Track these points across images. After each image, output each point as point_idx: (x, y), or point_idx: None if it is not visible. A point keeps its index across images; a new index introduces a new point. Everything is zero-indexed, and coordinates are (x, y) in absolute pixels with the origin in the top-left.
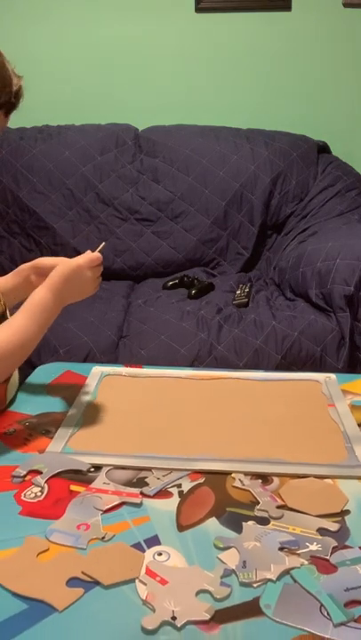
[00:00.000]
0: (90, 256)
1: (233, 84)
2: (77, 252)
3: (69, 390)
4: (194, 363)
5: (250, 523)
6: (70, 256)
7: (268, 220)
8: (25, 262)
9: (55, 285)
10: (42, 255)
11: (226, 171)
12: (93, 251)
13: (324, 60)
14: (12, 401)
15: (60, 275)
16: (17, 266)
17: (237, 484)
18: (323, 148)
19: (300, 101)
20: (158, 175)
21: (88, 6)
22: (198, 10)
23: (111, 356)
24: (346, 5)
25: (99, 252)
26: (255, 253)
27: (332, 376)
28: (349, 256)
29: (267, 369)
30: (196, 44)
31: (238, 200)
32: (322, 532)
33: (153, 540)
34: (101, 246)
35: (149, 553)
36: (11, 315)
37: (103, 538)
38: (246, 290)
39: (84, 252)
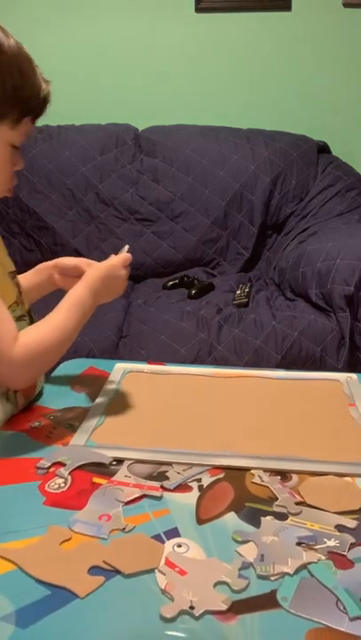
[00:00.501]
0: (123, 256)
1: (233, 83)
2: (77, 252)
3: (93, 386)
4: (194, 363)
5: (268, 518)
6: (70, 256)
7: (268, 220)
8: (25, 262)
9: (93, 284)
10: (42, 255)
11: (226, 171)
12: (117, 253)
13: (324, 60)
14: (40, 393)
15: (97, 274)
16: (17, 266)
17: (257, 480)
18: (323, 148)
19: (300, 101)
20: (158, 175)
21: (88, 6)
22: (198, 10)
23: (111, 355)
24: (346, 5)
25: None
26: (255, 253)
27: (354, 376)
28: (349, 256)
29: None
30: (196, 44)
31: (238, 200)
32: (340, 528)
33: (172, 532)
34: (127, 248)
35: (169, 544)
36: (32, 313)
37: (124, 529)
38: (246, 290)
39: (83, 253)
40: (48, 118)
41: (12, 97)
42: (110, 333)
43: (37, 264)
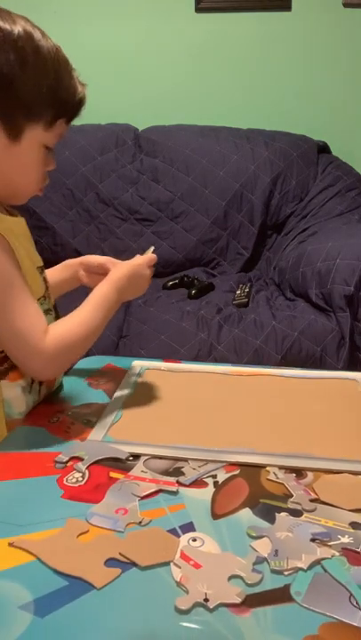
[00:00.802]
0: (149, 256)
1: (233, 83)
2: (77, 252)
3: (110, 382)
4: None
5: (283, 514)
6: (70, 256)
7: (268, 219)
8: None
9: (118, 282)
10: (42, 255)
11: (226, 171)
12: (142, 254)
13: (324, 59)
14: (61, 385)
15: (122, 272)
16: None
17: (272, 477)
18: (323, 148)
19: (300, 101)
20: (158, 175)
21: (88, 6)
22: (198, 10)
23: (111, 355)
24: (346, 5)
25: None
26: (255, 253)
27: None
28: (349, 256)
29: None
30: (196, 44)
31: (238, 200)
32: (354, 525)
33: (188, 527)
34: (152, 249)
35: (184, 538)
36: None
37: (140, 522)
38: (246, 290)
39: (83, 253)
40: None
41: (47, 98)
42: (110, 333)
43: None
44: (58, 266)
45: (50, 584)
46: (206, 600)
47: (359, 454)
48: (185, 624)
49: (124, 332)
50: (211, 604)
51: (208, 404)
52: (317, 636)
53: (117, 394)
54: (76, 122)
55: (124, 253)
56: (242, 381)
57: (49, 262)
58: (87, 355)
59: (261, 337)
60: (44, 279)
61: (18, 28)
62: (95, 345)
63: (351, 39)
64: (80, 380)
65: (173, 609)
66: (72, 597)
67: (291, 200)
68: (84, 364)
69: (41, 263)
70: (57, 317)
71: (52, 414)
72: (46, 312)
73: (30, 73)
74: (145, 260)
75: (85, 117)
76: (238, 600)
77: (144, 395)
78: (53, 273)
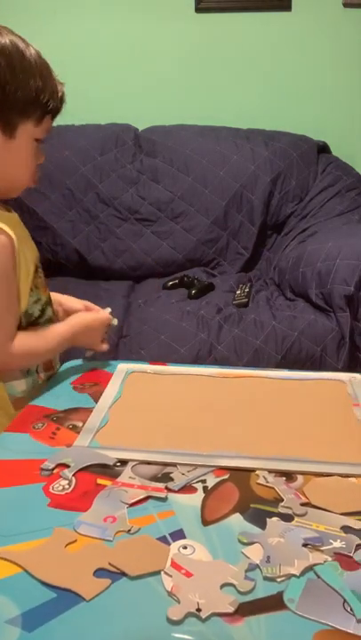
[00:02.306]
0: (107, 316)
1: (233, 83)
2: (77, 252)
3: (95, 386)
4: (194, 363)
5: (274, 519)
6: (71, 256)
7: (268, 219)
8: None
9: (76, 327)
10: (42, 255)
11: (226, 171)
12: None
13: (324, 60)
14: (64, 364)
15: (84, 321)
16: None
17: (261, 481)
18: (323, 148)
19: (300, 101)
20: (158, 175)
21: (88, 6)
22: (198, 10)
23: (111, 356)
24: (346, 5)
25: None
26: (255, 253)
27: (358, 376)
28: (349, 256)
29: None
30: (196, 44)
31: (238, 200)
32: (346, 529)
33: (178, 534)
34: (109, 310)
35: (175, 546)
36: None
37: (129, 530)
38: (246, 290)
39: (83, 253)
40: None
41: (35, 97)
42: (110, 333)
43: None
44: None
45: (38, 596)
46: (199, 610)
47: (349, 456)
48: (178, 635)
49: (124, 332)
50: (203, 614)
51: (196, 408)
52: None
53: (103, 398)
54: (76, 122)
55: (124, 253)
56: (229, 384)
57: (49, 262)
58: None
59: (261, 337)
60: (40, 276)
61: (4, 39)
62: None
63: (351, 39)
64: (65, 383)
65: (165, 619)
66: (61, 610)
67: (291, 200)
68: (69, 367)
69: (37, 254)
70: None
71: (36, 420)
72: (36, 302)
73: (20, 77)
74: (104, 318)
75: (85, 117)
76: (231, 609)
77: (131, 398)
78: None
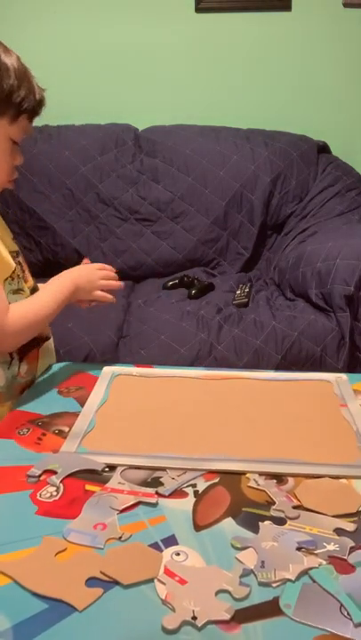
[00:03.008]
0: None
1: (233, 83)
2: (77, 252)
3: (81, 390)
4: (194, 363)
5: (266, 523)
6: (70, 256)
7: (268, 219)
8: (25, 262)
9: (75, 276)
10: (42, 255)
11: (226, 171)
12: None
13: (324, 59)
14: (50, 368)
15: (80, 270)
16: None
17: (252, 484)
18: (323, 148)
19: (300, 101)
20: (158, 175)
21: (88, 6)
22: (198, 10)
23: (111, 355)
24: (346, 5)
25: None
26: (255, 253)
27: (344, 376)
28: (349, 256)
29: (267, 369)
30: (196, 44)
31: (238, 200)
32: (339, 532)
33: (170, 540)
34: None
35: (167, 553)
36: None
37: (120, 538)
38: (246, 290)
39: (84, 252)
40: (48, 118)
41: (8, 96)
42: (110, 333)
43: (37, 264)
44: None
45: (28, 608)
46: (194, 618)
47: (339, 457)
48: None
49: (124, 332)
50: (199, 622)
51: (183, 410)
52: None
53: (89, 402)
54: (76, 122)
55: (124, 253)
56: (216, 386)
57: (49, 262)
58: (87, 356)
59: (261, 337)
60: (20, 263)
61: None
62: (95, 345)
63: (351, 39)
64: (49, 388)
65: (160, 629)
66: (53, 621)
67: (291, 200)
68: (53, 371)
69: (15, 248)
70: None
71: (20, 425)
72: (16, 291)
73: None
74: (93, 265)
75: (85, 117)
76: (227, 616)
77: (117, 402)
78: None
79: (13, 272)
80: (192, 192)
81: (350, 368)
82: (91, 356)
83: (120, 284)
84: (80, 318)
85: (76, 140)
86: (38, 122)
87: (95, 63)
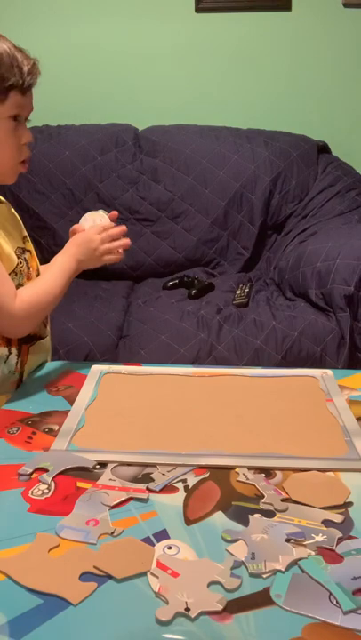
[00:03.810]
0: (95, 227)
1: (233, 84)
2: None
3: (70, 389)
4: (194, 363)
5: (256, 515)
6: None
7: (268, 219)
8: None
9: (73, 251)
10: (42, 255)
11: (226, 171)
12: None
13: (324, 60)
14: (43, 365)
15: (76, 241)
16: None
17: (241, 478)
18: (323, 148)
19: (300, 101)
20: (158, 175)
21: (88, 6)
22: (198, 10)
23: (111, 355)
24: (346, 5)
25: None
26: (255, 253)
27: (329, 372)
28: (349, 256)
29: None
30: (196, 44)
31: (238, 200)
32: (327, 523)
33: (162, 534)
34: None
35: (159, 547)
36: None
37: (113, 533)
38: (246, 290)
39: None
40: (48, 118)
41: None
42: (110, 333)
43: (37, 264)
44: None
45: (24, 603)
46: (187, 609)
47: (326, 451)
48: (168, 635)
49: (124, 332)
50: (192, 614)
51: (172, 407)
52: (301, 638)
53: (78, 400)
54: (76, 122)
55: (124, 253)
56: (204, 382)
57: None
58: (87, 356)
59: (261, 337)
60: (26, 260)
61: None
62: (95, 345)
63: (351, 39)
64: (38, 387)
65: (154, 620)
66: (48, 616)
67: (291, 200)
68: (42, 370)
69: (22, 245)
70: None
71: (9, 424)
72: (17, 287)
73: None
74: (94, 229)
75: (85, 117)
76: (220, 607)
77: (106, 400)
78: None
79: (16, 267)
80: (192, 192)
81: (350, 368)
82: (91, 355)
83: (124, 242)
84: (80, 318)
85: (76, 140)
86: (38, 122)
87: (95, 63)
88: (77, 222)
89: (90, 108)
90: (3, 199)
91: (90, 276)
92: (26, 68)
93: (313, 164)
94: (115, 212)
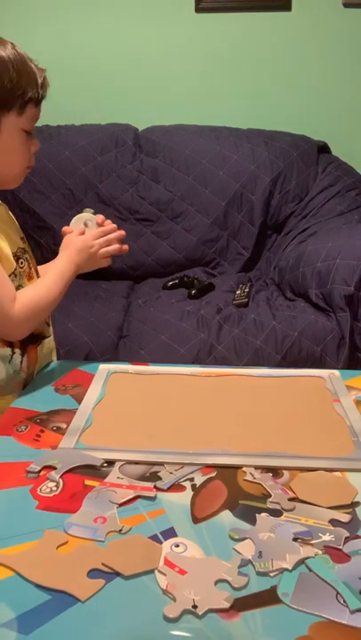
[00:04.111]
0: (92, 232)
1: (233, 83)
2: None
3: (77, 388)
4: (194, 363)
5: (263, 515)
6: None
7: (268, 219)
8: None
9: (71, 256)
10: (42, 255)
11: (226, 171)
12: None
13: (324, 60)
14: (47, 366)
15: (73, 246)
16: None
17: (249, 477)
18: (323, 148)
19: (301, 101)
20: (158, 175)
21: (88, 6)
22: (198, 10)
23: (111, 355)
24: (346, 5)
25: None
26: (255, 253)
27: (336, 372)
28: (349, 256)
29: None
30: (196, 44)
31: (238, 200)
32: (334, 522)
33: (169, 532)
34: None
35: (167, 544)
36: None
37: (120, 530)
38: (246, 290)
39: None
40: (48, 118)
41: (11, 89)
42: (110, 333)
43: (37, 264)
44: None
45: (32, 599)
46: (195, 607)
47: (333, 451)
48: (175, 632)
49: (124, 332)
50: (199, 611)
51: (179, 407)
52: (308, 636)
53: (86, 399)
54: (76, 122)
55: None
56: (211, 382)
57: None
58: (87, 356)
59: (261, 337)
60: (27, 259)
61: None
62: (95, 345)
63: (351, 39)
64: (46, 385)
65: (162, 617)
66: (56, 612)
67: (291, 200)
68: (50, 370)
69: (21, 246)
70: None
71: (18, 423)
72: (16, 289)
73: None
74: (91, 233)
75: (85, 117)
76: (227, 605)
77: (114, 399)
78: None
79: (15, 269)
80: (192, 192)
81: (350, 368)
82: (91, 356)
83: (117, 247)
84: (80, 318)
85: (76, 140)
86: (38, 122)
87: (95, 63)
88: None
89: (90, 107)
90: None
91: (90, 276)
92: (40, 81)
93: (313, 164)
94: (101, 217)
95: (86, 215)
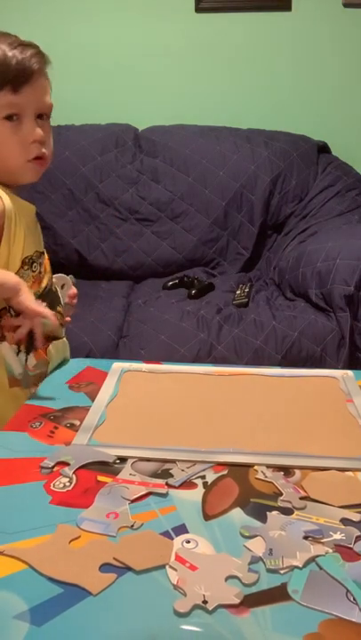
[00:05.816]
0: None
1: (233, 83)
2: (77, 252)
3: (91, 385)
4: (193, 363)
5: (274, 513)
6: (71, 256)
7: (268, 219)
8: None
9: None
10: None
11: (226, 171)
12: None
13: (324, 60)
14: (63, 363)
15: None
16: None
17: (260, 476)
18: (323, 148)
19: (300, 101)
20: (158, 175)
21: (88, 6)
22: (198, 10)
23: (111, 356)
24: (346, 5)
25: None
26: (255, 253)
27: (350, 372)
28: (349, 256)
29: None
30: (196, 44)
31: (238, 200)
32: (345, 522)
33: (180, 529)
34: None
35: (178, 540)
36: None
37: (132, 526)
38: (246, 290)
39: (83, 253)
40: None
41: None
42: (110, 333)
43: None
44: None
45: (44, 592)
46: (205, 602)
47: (345, 451)
48: (185, 627)
49: (124, 332)
50: (210, 606)
51: (192, 405)
52: (318, 633)
53: (100, 396)
54: (76, 122)
55: (124, 253)
56: (224, 381)
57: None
58: (87, 356)
59: (261, 337)
60: (40, 264)
61: None
62: (95, 345)
63: (351, 39)
64: (60, 383)
65: (172, 612)
66: (68, 605)
67: (291, 200)
68: (64, 367)
69: (30, 253)
70: (47, 303)
71: (32, 419)
72: None
73: None
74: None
75: (85, 117)
76: (237, 601)
77: (127, 397)
78: None
79: (18, 271)
80: (192, 192)
81: (350, 368)
82: (91, 356)
83: (21, 333)
84: (80, 318)
85: (76, 140)
86: None
87: (95, 63)
88: (77, 222)
89: (90, 107)
90: (33, 205)
91: (90, 276)
92: (12, 63)
93: (313, 164)
94: (74, 291)
95: (66, 279)
